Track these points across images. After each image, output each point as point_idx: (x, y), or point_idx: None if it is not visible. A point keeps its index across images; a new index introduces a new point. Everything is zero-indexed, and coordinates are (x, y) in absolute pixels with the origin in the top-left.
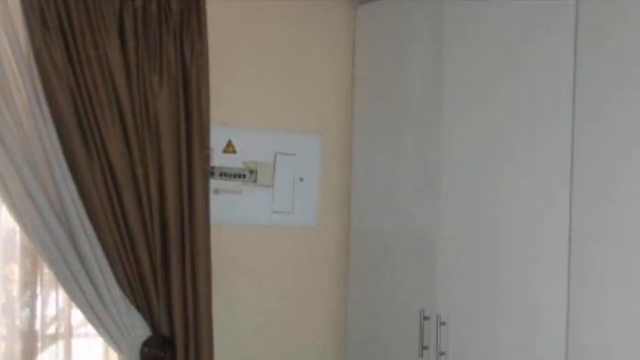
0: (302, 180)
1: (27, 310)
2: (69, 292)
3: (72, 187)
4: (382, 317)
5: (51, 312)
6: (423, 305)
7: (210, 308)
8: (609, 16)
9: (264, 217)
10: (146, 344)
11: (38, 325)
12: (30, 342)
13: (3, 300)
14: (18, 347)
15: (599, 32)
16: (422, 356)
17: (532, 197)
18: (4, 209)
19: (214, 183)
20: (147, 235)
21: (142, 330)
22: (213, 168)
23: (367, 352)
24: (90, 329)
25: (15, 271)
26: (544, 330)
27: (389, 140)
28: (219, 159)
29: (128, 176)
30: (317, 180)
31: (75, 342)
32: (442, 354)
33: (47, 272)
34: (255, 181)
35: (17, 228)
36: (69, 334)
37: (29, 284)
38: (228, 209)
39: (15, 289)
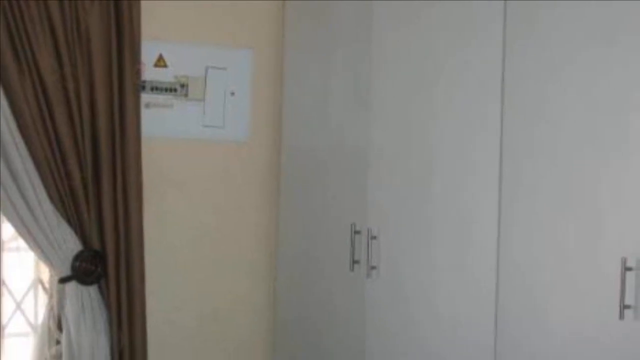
0: (233, 94)
1: None
2: None
3: (4, 103)
4: (313, 231)
5: None
6: (354, 219)
7: (140, 222)
8: None
9: (195, 130)
10: (77, 257)
11: None
12: None
13: None
14: None
15: None
16: (352, 270)
17: (463, 112)
18: None
19: (145, 97)
20: (77, 149)
21: (72, 244)
22: (144, 82)
23: (298, 265)
24: (21, 242)
25: None
26: (475, 244)
27: (320, 55)
28: (149, 73)
29: (59, 91)
30: (248, 95)
31: (5, 256)
32: (372, 267)
33: None
34: (186, 95)
35: None
36: None
37: None
38: (159, 123)
39: None
